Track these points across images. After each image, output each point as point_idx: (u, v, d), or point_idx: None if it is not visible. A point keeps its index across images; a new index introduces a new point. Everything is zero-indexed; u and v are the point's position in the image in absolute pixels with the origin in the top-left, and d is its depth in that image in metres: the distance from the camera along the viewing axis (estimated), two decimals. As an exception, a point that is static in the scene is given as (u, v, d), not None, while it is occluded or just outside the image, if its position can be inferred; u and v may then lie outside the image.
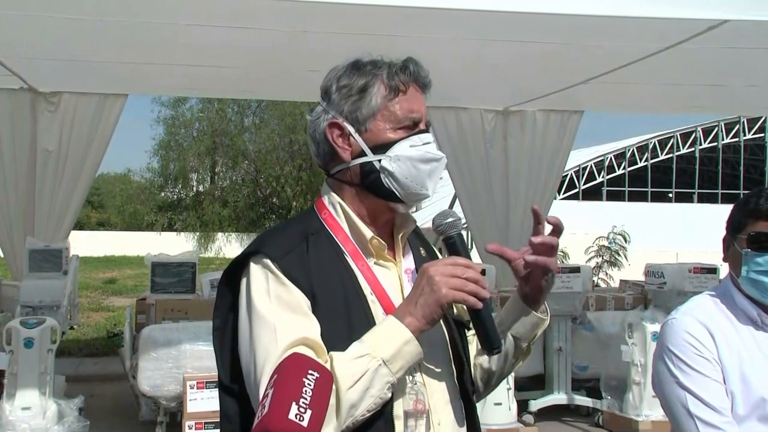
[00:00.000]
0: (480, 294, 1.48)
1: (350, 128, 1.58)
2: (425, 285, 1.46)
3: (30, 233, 7.03)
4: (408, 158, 1.56)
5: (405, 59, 1.61)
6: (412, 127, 1.59)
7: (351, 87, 1.58)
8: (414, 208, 1.66)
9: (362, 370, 1.39)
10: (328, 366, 1.39)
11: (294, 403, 1.30)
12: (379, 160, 1.57)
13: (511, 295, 1.77)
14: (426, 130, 1.61)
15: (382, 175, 1.57)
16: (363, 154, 1.58)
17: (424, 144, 1.58)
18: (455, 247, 1.58)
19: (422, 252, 1.70)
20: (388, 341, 1.42)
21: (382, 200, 1.60)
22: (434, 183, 1.60)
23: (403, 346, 1.42)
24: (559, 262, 1.66)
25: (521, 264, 1.63)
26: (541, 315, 1.70)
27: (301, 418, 1.29)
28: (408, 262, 1.66)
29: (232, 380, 1.54)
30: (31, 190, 7.16)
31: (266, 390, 1.34)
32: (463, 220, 9.20)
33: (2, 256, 7.44)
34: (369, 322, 1.49)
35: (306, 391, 1.31)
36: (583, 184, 32.23)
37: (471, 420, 1.63)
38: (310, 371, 1.33)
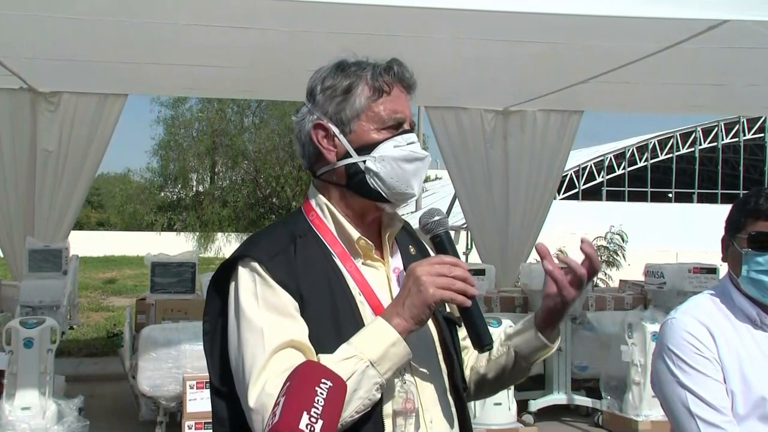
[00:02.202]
0: (468, 292, 1.47)
1: (335, 129, 1.58)
2: (412, 285, 1.45)
3: (30, 233, 7.03)
4: (392, 158, 1.56)
5: (389, 60, 1.61)
6: (397, 128, 1.59)
7: (335, 88, 1.58)
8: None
9: (349, 371, 1.38)
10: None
11: (305, 413, 1.29)
12: (364, 161, 1.57)
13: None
14: (410, 131, 1.61)
15: (367, 176, 1.57)
16: (348, 155, 1.58)
17: (408, 144, 1.59)
18: (443, 245, 1.58)
19: (411, 250, 1.70)
20: (376, 342, 1.42)
21: (368, 200, 1.60)
22: (419, 182, 1.60)
23: (391, 348, 1.42)
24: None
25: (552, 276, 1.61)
26: (545, 340, 1.68)
27: (312, 429, 1.28)
28: (396, 261, 1.66)
29: (223, 383, 1.54)
30: (31, 190, 7.16)
31: (278, 398, 1.33)
32: (462, 220, 9.14)
33: (2, 256, 7.44)
34: (357, 323, 1.49)
35: (318, 400, 1.30)
36: (583, 184, 32.21)
37: (462, 417, 1.64)
38: (323, 380, 1.33)
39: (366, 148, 1.57)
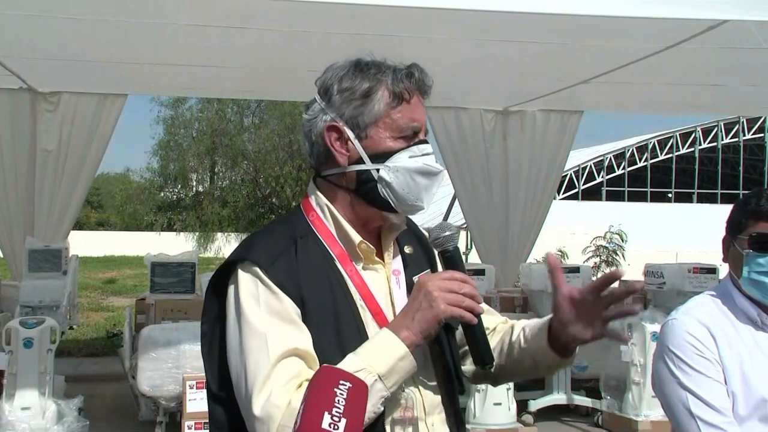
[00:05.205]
0: (475, 310, 1.46)
1: (350, 133, 1.53)
2: (423, 300, 1.43)
3: (30, 233, 7.03)
4: (407, 170, 1.52)
5: (410, 65, 1.56)
6: (412, 137, 1.55)
7: (354, 90, 1.53)
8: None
9: None
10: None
11: (326, 413, 1.28)
12: (377, 170, 1.53)
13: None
14: (426, 141, 1.58)
15: (378, 185, 1.53)
16: (361, 161, 1.54)
17: (423, 155, 1.55)
18: (453, 261, 1.56)
19: (407, 249, 1.66)
20: (384, 356, 1.40)
21: (375, 209, 1.56)
22: (430, 196, 1.56)
23: (399, 362, 1.41)
24: (557, 261, 1.56)
25: (567, 300, 1.54)
26: (563, 359, 1.62)
27: (336, 427, 1.28)
28: (396, 263, 1.63)
29: (221, 388, 1.52)
30: (30, 190, 7.16)
31: (299, 408, 1.32)
32: (462, 220, 9.11)
33: (2, 256, 7.43)
34: (359, 329, 1.47)
35: (338, 400, 1.29)
36: (583, 184, 32.23)
37: (459, 422, 1.64)
38: (341, 381, 1.32)
39: (380, 156, 1.53)
